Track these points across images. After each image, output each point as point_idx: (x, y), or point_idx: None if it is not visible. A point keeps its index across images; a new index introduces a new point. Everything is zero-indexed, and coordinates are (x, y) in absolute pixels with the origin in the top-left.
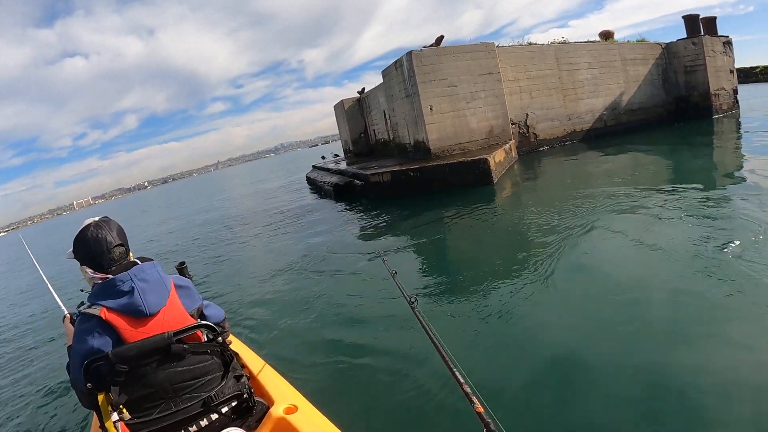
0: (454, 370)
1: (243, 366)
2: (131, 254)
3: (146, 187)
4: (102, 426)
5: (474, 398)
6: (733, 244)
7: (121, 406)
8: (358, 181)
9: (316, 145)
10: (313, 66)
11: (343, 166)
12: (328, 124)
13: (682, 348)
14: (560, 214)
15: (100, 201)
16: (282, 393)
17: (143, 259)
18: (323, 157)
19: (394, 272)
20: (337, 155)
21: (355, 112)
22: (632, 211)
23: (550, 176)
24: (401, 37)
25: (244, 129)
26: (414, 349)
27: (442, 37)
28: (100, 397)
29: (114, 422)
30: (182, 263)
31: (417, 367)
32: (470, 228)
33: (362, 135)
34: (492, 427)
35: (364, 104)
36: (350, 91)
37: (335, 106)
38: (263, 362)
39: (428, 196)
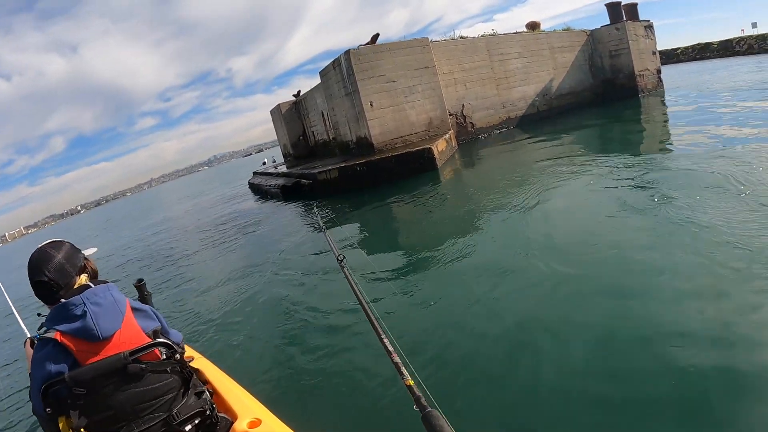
0: (390, 349)
1: (205, 382)
2: (82, 279)
3: (79, 211)
4: None
5: (404, 370)
6: (662, 201)
7: (82, 430)
8: (305, 181)
9: (250, 154)
10: (242, 74)
11: (285, 169)
12: (260, 132)
13: (625, 303)
14: (501, 192)
15: (33, 230)
16: (245, 406)
17: (98, 282)
18: (264, 163)
19: (341, 258)
20: (275, 160)
21: (292, 116)
22: (567, 185)
23: (489, 161)
24: (329, 39)
25: (176, 143)
26: (367, 348)
27: (377, 35)
28: (61, 422)
29: None
30: (140, 280)
31: (370, 366)
32: (418, 213)
33: (301, 138)
34: (423, 401)
35: (301, 107)
36: (281, 98)
37: (272, 111)
38: (225, 376)
39: (376, 189)
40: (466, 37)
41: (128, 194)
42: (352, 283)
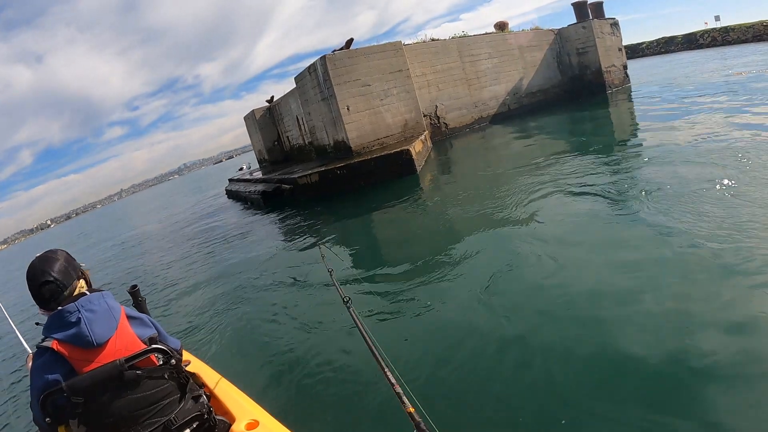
0: (386, 370)
1: (202, 385)
2: (81, 284)
3: (49, 225)
4: None
5: (405, 399)
6: (636, 194)
7: None
8: (286, 186)
9: (221, 161)
10: (210, 80)
11: (260, 175)
12: (231, 138)
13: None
14: (479, 193)
15: (3, 246)
16: (243, 408)
17: (93, 290)
18: (241, 169)
19: (331, 271)
20: (251, 166)
21: (266, 121)
22: (543, 183)
23: (464, 160)
24: (297, 43)
25: (145, 152)
26: (359, 352)
27: (351, 39)
28: (61, 431)
29: None
30: (134, 287)
31: (363, 369)
32: (402, 218)
33: (276, 143)
34: (423, 426)
35: (276, 112)
36: (250, 103)
37: (246, 117)
38: (222, 379)
39: (357, 192)
40: (438, 40)
41: (98, 206)
42: (359, 323)
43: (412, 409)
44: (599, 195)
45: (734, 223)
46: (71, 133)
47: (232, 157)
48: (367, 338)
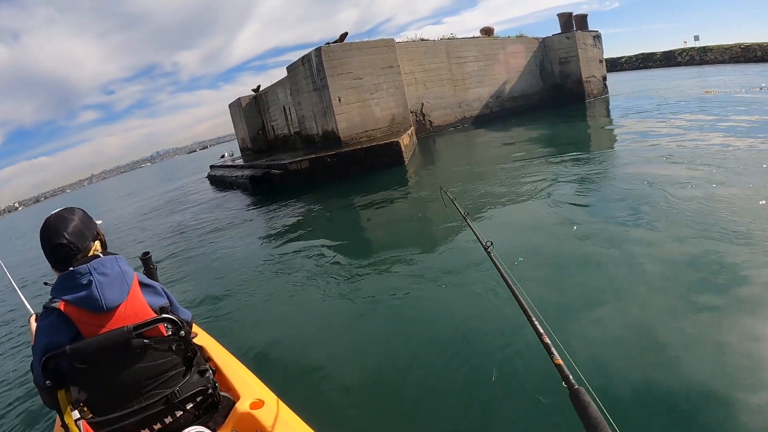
0: (534, 320)
1: (208, 359)
2: (96, 246)
3: (17, 208)
4: (63, 425)
5: (554, 350)
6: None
7: (81, 404)
8: (275, 171)
9: (194, 151)
10: (188, 68)
11: (242, 163)
12: (206, 128)
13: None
14: (465, 187)
15: None
16: (248, 387)
17: (107, 253)
18: (222, 156)
19: (466, 214)
20: (234, 154)
21: (252, 110)
22: (525, 180)
23: (448, 156)
24: (278, 37)
25: (118, 138)
26: (369, 341)
27: (346, 33)
28: (60, 395)
29: (75, 420)
30: (146, 253)
31: (371, 363)
32: (399, 203)
33: (260, 132)
34: (572, 380)
35: (262, 101)
36: (227, 93)
37: (231, 105)
38: (229, 355)
39: (347, 180)
40: (427, 40)
41: (68, 191)
42: (501, 268)
43: (560, 361)
44: (569, 192)
45: (699, 222)
46: (44, 115)
47: (207, 148)
48: (511, 284)
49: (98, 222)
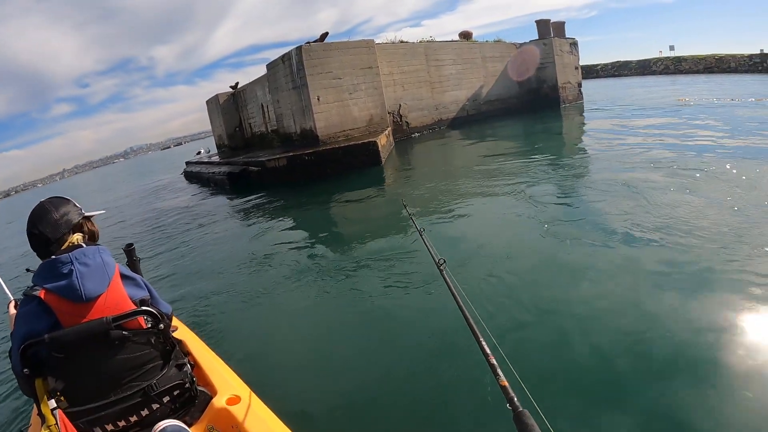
0: (481, 339)
1: (187, 354)
2: (75, 238)
3: None
4: (39, 413)
5: (499, 371)
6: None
7: (58, 394)
8: (253, 168)
9: (169, 147)
10: (164, 63)
11: (218, 159)
12: (180, 124)
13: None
14: (439, 187)
15: None
16: (225, 382)
17: (92, 244)
18: (198, 153)
19: (422, 230)
20: (210, 150)
21: (230, 107)
22: (493, 185)
23: (425, 157)
24: (256, 34)
25: (91, 132)
26: (351, 340)
27: (326, 33)
28: (38, 384)
29: (52, 410)
30: (129, 245)
31: (358, 356)
32: (375, 201)
33: (237, 129)
34: (517, 402)
35: (240, 99)
36: (203, 90)
37: (208, 101)
38: (208, 350)
39: (324, 179)
40: (407, 42)
41: (39, 185)
42: (452, 287)
43: (505, 383)
44: (534, 200)
45: (666, 221)
46: (16, 106)
47: (181, 144)
48: (461, 303)
49: (98, 212)
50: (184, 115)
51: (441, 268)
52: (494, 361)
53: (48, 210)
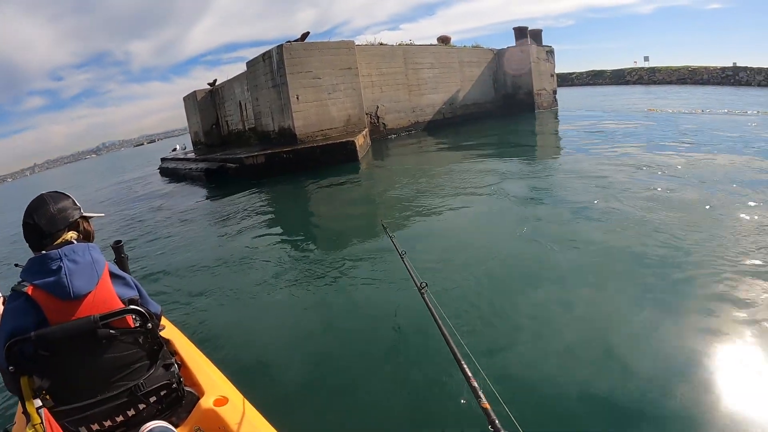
0: (462, 362)
1: (174, 353)
2: (69, 235)
3: None
4: (24, 411)
5: (481, 393)
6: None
7: (44, 392)
8: (231, 164)
9: (142, 144)
10: (140, 58)
11: (194, 156)
12: (154, 121)
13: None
14: (415, 184)
15: None
16: (213, 383)
17: (81, 241)
18: (174, 149)
19: (404, 253)
20: (186, 147)
21: (207, 104)
22: (467, 183)
23: (401, 158)
24: (233, 32)
25: (64, 127)
26: (346, 341)
27: (307, 33)
28: (23, 381)
29: (37, 408)
30: (118, 242)
31: (353, 362)
32: (351, 208)
33: (214, 126)
34: (497, 424)
35: (217, 96)
36: (179, 86)
37: (186, 98)
38: (196, 350)
39: (302, 177)
40: (386, 45)
41: (9, 180)
42: (433, 311)
43: (487, 405)
44: (515, 195)
45: (634, 220)
46: None
47: (154, 141)
48: (442, 327)
49: (98, 215)
50: (158, 112)
51: (422, 291)
52: (476, 384)
53: (46, 203)
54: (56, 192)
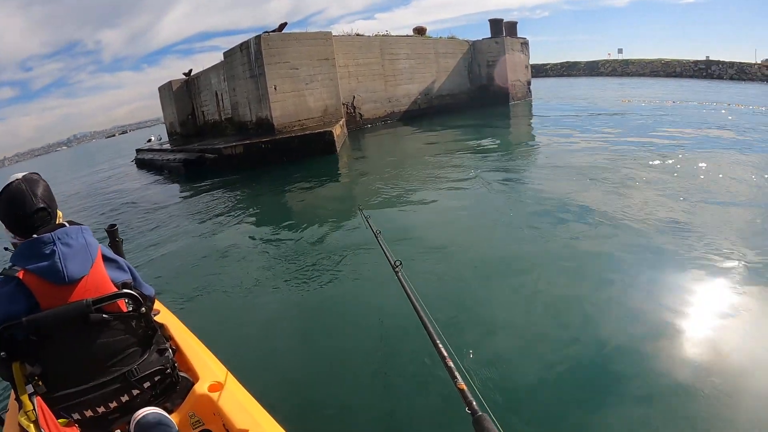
0: (438, 342)
1: (169, 338)
2: (60, 216)
3: None
4: (17, 398)
5: (457, 374)
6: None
7: (36, 378)
8: (209, 155)
9: (113, 135)
10: (111, 48)
11: (170, 147)
12: (126, 112)
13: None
14: (392, 173)
15: None
16: (208, 368)
17: (72, 224)
18: (149, 140)
19: (378, 232)
20: (162, 138)
21: (183, 94)
22: (443, 172)
23: (377, 147)
24: (207, 21)
25: (34, 119)
26: (332, 326)
27: (285, 23)
28: (15, 368)
29: (30, 395)
30: (112, 225)
31: (347, 351)
32: (328, 197)
33: (189, 117)
34: (474, 406)
35: (193, 86)
36: (150, 77)
37: (161, 88)
38: (191, 335)
39: (280, 167)
40: (363, 36)
41: None
42: (408, 289)
43: (463, 386)
44: (490, 181)
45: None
46: None
47: (126, 132)
48: (417, 306)
49: None
50: (129, 103)
51: (397, 270)
52: (452, 364)
53: (40, 181)
54: (33, 172)
